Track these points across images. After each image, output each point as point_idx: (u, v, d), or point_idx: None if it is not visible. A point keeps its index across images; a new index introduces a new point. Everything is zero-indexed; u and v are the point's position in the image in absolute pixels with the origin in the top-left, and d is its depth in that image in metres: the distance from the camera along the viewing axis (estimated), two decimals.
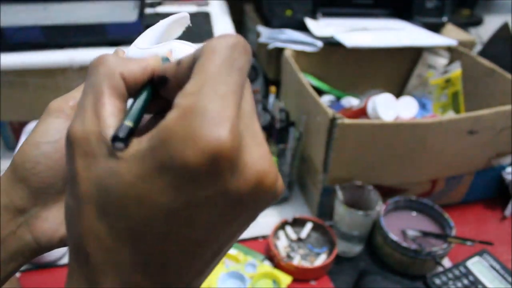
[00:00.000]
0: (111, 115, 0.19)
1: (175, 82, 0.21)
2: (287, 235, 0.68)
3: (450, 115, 0.81)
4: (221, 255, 0.20)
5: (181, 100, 0.16)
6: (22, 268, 0.60)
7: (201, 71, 0.17)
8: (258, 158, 0.17)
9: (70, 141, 0.19)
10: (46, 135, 0.27)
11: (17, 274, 0.60)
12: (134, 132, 0.18)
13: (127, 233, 0.17)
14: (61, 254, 0.63)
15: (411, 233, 0.64)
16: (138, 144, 0.17)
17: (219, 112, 0.16)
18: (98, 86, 0.19)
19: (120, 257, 0.17)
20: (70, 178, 0.19)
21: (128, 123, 0.18)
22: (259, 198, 0.18)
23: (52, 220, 0.28)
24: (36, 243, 0.27)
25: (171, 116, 0.16)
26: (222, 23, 0.87)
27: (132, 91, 0.21)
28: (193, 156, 0.15)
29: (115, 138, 0.17)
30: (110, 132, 0.18)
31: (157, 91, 0.22)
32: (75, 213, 0.18)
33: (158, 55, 0.24)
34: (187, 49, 0.27)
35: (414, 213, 0.68)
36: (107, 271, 0.18)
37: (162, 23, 0.30)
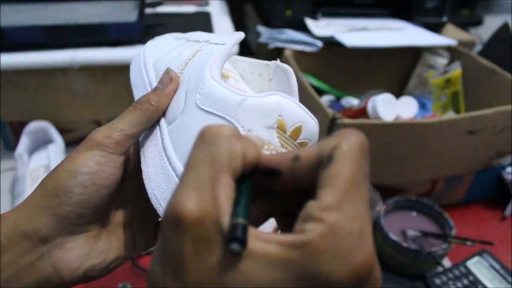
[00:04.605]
0: (228, 200, 0.17)
1: (289, 177, 0.21)
2: None
3: (450, 115, 0.81)
4: None
5: (324, 215, 0.17)
6: None
7: (337, 182, 0.18)
8: (376, 265, 0.18)
9: (179, 220, 0.17)
10: (84, 165, 0.25)
11: None
12: (247, 229, 0.17)
13: None
14: None
15: (411, 233, 0.64)
16: (265, 245, 0.17)
17: (362, 232, 0.17)
18: (219, 163, 0.18)
19: None
20: (171, 259, 0.17)
21: (242, 220, 0.17)
22: None
23: (78, 250, 0.26)
24: (58, 276, 0.25)
25: (317, 232, 0.17)
26: (222, 23, 0.87)
27: (239, 176, 0.19)
28: (340, 274, 0.16)
29: (232, 239, 0.16)
30: (226, 220, 0.17)
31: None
32: None
33: (261, 140, 0.22)
34: (300, 112, 0.27)
35: (414, 213, 0.68)
36: None
37: (227, 47, 0.29)
